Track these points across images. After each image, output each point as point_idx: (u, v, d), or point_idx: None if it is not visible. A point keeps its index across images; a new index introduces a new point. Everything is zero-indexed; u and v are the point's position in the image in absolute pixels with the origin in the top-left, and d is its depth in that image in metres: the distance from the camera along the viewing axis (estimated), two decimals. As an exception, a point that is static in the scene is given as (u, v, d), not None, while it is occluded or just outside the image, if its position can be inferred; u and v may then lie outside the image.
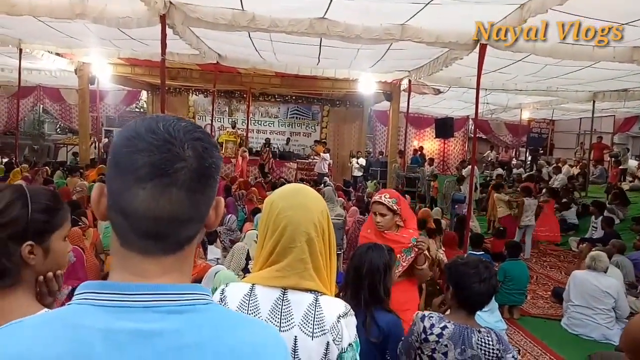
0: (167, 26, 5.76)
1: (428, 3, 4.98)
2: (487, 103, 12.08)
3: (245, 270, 4.17)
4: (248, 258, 4.39)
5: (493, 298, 2.49)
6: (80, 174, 9.50)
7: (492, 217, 9.48)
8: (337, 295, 1.37)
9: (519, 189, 10.08)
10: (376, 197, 2.89)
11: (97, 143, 14.51)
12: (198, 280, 3.59)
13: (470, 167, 7.37)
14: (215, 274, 3.49)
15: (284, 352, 0.77)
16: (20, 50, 8.91)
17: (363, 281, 2.12)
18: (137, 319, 0.66)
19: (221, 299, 1.27)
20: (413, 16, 5.48)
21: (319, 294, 1.26)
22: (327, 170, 13.83)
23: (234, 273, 3.59)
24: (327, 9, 5.39)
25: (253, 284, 1.27)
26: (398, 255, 2.62)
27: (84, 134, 12.04)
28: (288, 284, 1.25)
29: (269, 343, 0.74)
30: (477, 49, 5.91)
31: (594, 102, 10.54)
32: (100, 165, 10.62)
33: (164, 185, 0.67)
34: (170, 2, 5.54)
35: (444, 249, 5.74)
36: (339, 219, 6.65)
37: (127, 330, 0.65)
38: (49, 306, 1.09)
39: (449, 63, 7.07)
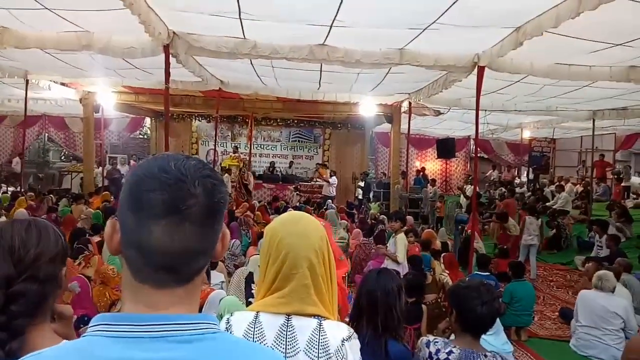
0: (170, 55, 5.89)
1: (425, 29, 5.08)
2: (488, 123, 12.13)
3: (249, 294, 4.15)
4: (252, 281, 4.37)
5: (498, 320, 2.49)
6: (85, 202, 9.54)
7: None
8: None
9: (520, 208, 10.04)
10: None
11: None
12: (200, 305, 3.58)
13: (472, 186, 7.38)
14: (220, 300, 3.48)
15: None
16: (27, 81, 9.00)
17: (378, 306, 2.13)
18: (148, 349, 0.68)
19: (227, 327, 1.29)
20: (411, 41, 5.59)
21: (323, 318, 1.28)
22: (334, 194, 13.92)
23: (238, 299, 3.57)
24: (327, 35, 5.51)
25: (257, 312, 1.29)
26: None
27: (88, 161, 12.17)
28: (292, 310, 1.27)
29: None
30: (475, 71, 6.00)
31: (593, 120, 10.58)
32: (104, 192, 10.68)
33: (177, 222, 0.71)
34: (174, 32, 5.67)
35: (447, 272, 5.71)
36: (341, 242, 6.65)
37: None
38: (67, 337, 1.11)
39: (448, 85, 7.17)
